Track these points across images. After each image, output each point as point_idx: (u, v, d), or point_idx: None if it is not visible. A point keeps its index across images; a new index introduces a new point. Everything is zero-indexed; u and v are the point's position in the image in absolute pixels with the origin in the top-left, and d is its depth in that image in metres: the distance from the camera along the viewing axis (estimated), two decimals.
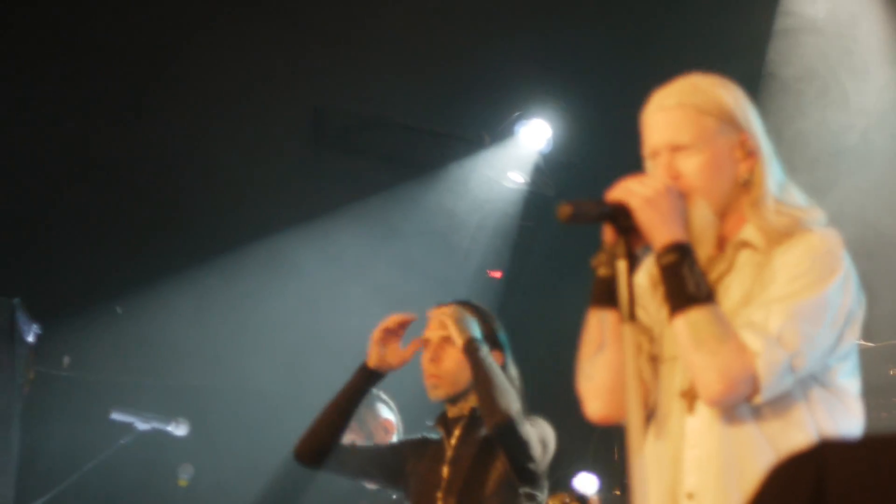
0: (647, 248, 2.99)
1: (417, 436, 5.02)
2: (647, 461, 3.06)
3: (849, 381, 3.02)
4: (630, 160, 3.26)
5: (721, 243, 3.05)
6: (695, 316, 2.85)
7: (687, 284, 2.87)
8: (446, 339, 4.69)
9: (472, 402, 4.71)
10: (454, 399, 4.73)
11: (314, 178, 7.99)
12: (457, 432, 4.73)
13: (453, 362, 4.67)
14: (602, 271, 2.96)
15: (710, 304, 2.86)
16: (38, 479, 6.66)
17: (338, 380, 7.07)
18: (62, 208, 7.54)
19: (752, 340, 2.83)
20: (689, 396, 3.01)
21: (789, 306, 2.86)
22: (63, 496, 6.46)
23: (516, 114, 8.02)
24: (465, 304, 4.79)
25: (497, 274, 8.52)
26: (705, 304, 2.85)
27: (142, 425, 6.75)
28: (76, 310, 7.38)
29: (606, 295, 2.97)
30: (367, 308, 7.85)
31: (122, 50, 7.33)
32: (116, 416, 6.73)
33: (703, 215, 2.99)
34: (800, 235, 2.97)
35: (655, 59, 7.27)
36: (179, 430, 6.87)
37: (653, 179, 2.94)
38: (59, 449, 7.08)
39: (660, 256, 2.91)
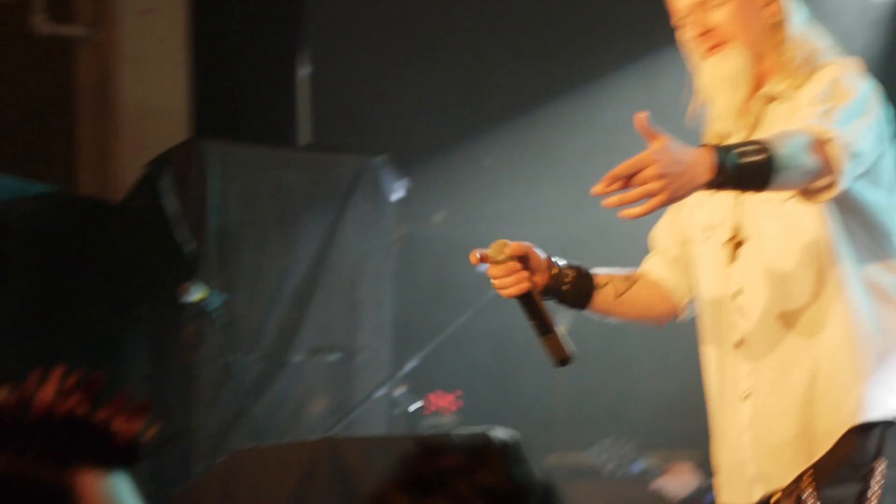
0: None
1: None
2: (702, 321, 3.21)
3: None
4: None
5: (754, 91, 3.12)
6: (778, 161, 2.77)
7: (748, 169, 2.77)
8: None
9: None
10: None
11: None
12: None
13: None
14: None
15: (770, 145, 2.79)
16: (411, 339, 6.69)
17: None
18: (422, 62, 7.46)
19: (822, 126, 2.85)
20: (732, 244, 3.10)
21: (829, 111, 2.90)
22: (440, 350, 6.44)
23: None
24: None
25: None
26: (769, 149, 2.77)
27: None
28: (443, 163, 7.32)
29: None
30: None
31: None
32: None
33: (739, 58, 3.08)
34: (819, 71, 3.05)
35: None
36: None
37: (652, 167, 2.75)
38: (430, 307, 7.08)
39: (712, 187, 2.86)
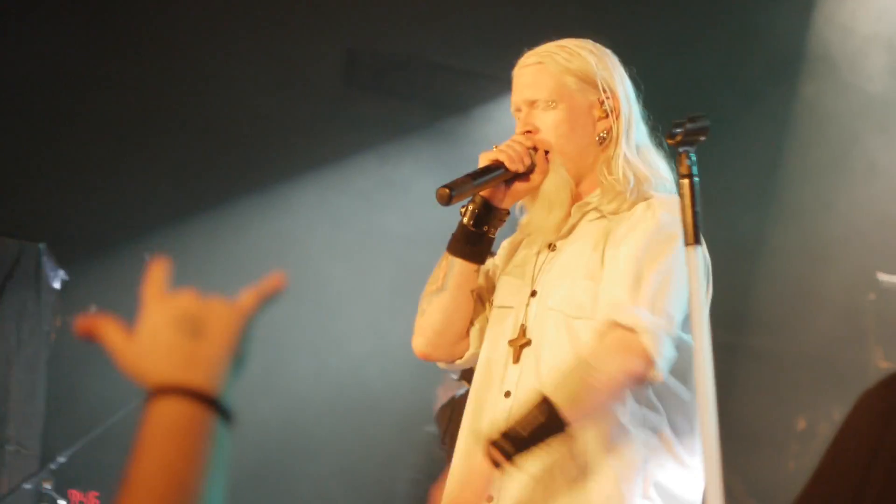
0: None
1: None
2: (468, 405, 3.09)
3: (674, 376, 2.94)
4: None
5: (574, 201, 3.05)
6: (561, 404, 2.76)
7: (536, 437, 2.75)
8: None
9: None
10: None
11: (345, 119, 7.79)
12: None
13: None
14: (466, 220, 3.04)
15: (546, 397, 2.77)
16: (64, 430, 6.50)
17: (361, 328, 6.88)
18: (90, 152, 7.36)
19: (635, 319, 2.78)
20: (517, 345, 3.01)
21: (645, 277, 2.83)
22: (90, 447, 6.29)
23: None
24: None
25: None
26: (546, 404, 2.76)
27: None
28: (103, 256, 7.20)
29: (462, 244, 3.04)
30: (396, 252, 7.66)
31: None
32: None
33: (558, 176, 3.00)
34: (642, 203, 2.97)
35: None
36: None
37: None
38: (86, 399, 6.91)
39: None
